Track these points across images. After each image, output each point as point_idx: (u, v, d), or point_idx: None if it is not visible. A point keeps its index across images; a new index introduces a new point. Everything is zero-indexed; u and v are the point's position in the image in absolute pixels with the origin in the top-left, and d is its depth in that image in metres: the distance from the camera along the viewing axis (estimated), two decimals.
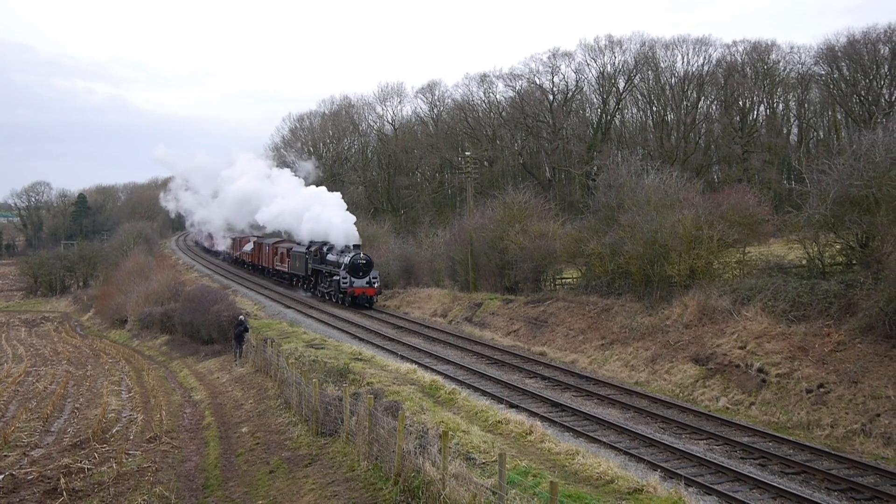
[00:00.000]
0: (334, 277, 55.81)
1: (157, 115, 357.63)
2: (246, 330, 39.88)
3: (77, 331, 74.97)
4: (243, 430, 27.23)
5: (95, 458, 24.69)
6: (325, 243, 59.19)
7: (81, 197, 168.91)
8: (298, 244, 66.05)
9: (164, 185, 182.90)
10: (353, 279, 54.07)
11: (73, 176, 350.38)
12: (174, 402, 34.01)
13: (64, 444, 27.47)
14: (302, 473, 20.97)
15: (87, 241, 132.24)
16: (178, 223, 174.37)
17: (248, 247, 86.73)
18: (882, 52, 66.72)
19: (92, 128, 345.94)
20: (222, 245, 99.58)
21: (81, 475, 22.72)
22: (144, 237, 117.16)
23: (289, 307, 56.96)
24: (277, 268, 72.96)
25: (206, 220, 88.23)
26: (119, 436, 28.35)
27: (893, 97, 67.24)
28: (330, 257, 57.62)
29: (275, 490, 20.43)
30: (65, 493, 20.84)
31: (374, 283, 54.63)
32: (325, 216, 59.23)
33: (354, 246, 55.67)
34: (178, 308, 52.88)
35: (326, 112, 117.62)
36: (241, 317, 41.31)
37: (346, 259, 54.75)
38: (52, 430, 30.79)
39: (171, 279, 68.69)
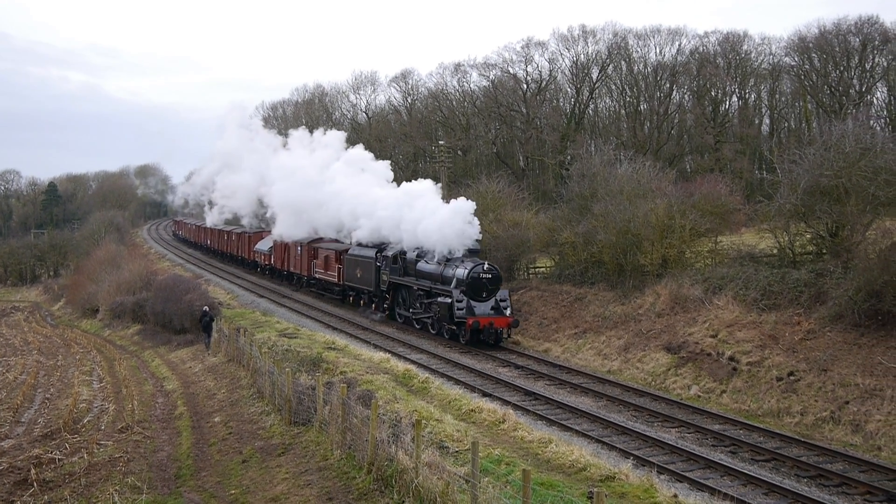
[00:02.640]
0: (439, 299, 38.40)
1: (132, 104, 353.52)
2: (212, 319, 40.28)
3: (47, 320, 74.27)
4: (216, 419, 27.11)
5: (66, 448, 24.50)
6: (393, 246, 44.53)
7: (52, 185, 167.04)
8: (358, 245, 48.63)
9: (140, 172, 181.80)
10: (472, 303, 36.75)
11: (43, 164, 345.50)
12: (146, 392, 33.80)
13: (34, 435, 27.23)
14: (275, 463, 20.93)
15: (57, 230, 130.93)
16: (151, 211, 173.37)
17: (264, 245, 69.28)
18: (853, 43, 67.24)
19: (65, 116, 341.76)
20: (232, 240, 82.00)
21: (52, 466, 22.55)
22: (116, 226, 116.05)
23: (262, 297, 56.75)
24: (319, 276, 54.70)
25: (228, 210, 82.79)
26: (90, 426, 28.14)
27: (863, 88, 67.85)
28: (426, 267, 40.72)
29: (248, 480, 20.37)
30: (35, 483, 20.66)
31: (505, 308, 37.14)
32: (420, 210, 42.96)
33: (470, 251, 39.55)
34: (151, 297, 52.50)
35: (300, 101, 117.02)
36: (205, 308, 41.81)
37: (461, 271, 37.53)
38: (23, 420, 30.52)
39: (143, 268, 68.08)
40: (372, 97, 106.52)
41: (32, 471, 21.59)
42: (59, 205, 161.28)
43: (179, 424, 27.53)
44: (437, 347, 36.93)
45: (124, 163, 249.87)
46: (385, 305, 44.71)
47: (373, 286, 45.21)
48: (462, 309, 36.41)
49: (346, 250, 49.65)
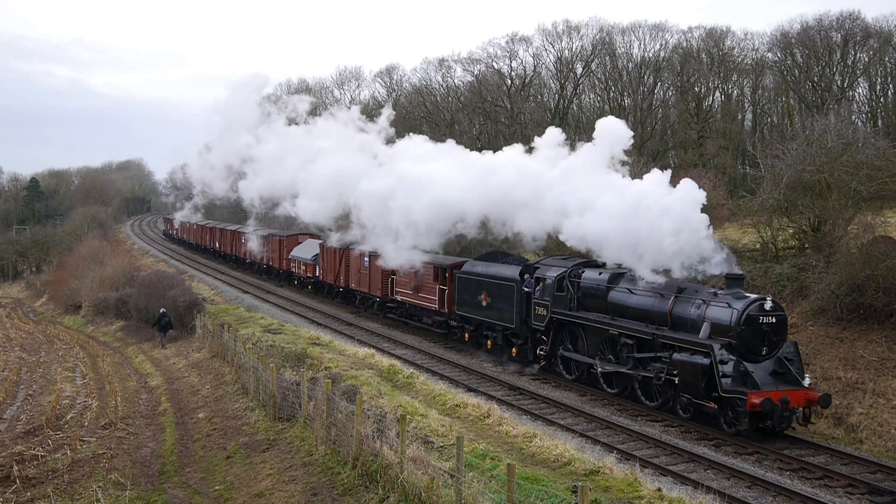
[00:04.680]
0: (678, 356, 23.27)
1: (118, 99, 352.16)
2: (170, 321, 42.52)
3: (30, 317, 73.84)
4: (200, 415, 27.06)
5: (49, 445, 24.42)
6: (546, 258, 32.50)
7: (34, 181, 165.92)
8: (482, 259, 35.46)
9: (122, 168, 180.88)
10: (744, 364, 22.17)
11: (25, 160, 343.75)
12: (130, 388, 33.68)
13: (17, 432, 27.14)
14: (259, 458, 20.91)
15: (39, 226, 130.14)
16: (134, 207, 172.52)
17: (305, 252, 56.00)
18: (835, 39, 67.47)
19: (49, 111, 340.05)
20: (253, 244, 66.89)
21: (35, 462, 22.48)
22: (99, 222, 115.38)
23: (246, 292, 56.57)
24: (404, 299, 40.16)
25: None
26: (73, 422, 28.04)
27: (845, 84, 68.19)
28: (634, 300, 26.33)
29: (232, 475, 20.35)
30: (18, 480, 20.60)
31: (799, 372, 22.75)
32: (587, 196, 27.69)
33: (731, 278, 24.06)
34: (134, 293, 52.23)
35: (283, 96, 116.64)
36: (163, 310, 42.81)
37: (721, 311, 23.14)
38: (5, 417, 30.39)
39: (127, 264, 67.77)
40: (356, 92, 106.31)
41: (15, 467, 21.52)
42: (41, 200, 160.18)
43: (163, 420, 27.46)
44: (423, 343, 36.91)
45: (108, 158, 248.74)
46: (540, 351, 30.14)
47: (514, 322, 30.89)
48: (731, 376, 21.84)
49: (459, 265, 35.53)
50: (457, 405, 24.22)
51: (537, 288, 29.86)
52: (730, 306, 22.86)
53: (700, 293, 24.41)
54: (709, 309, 23.45)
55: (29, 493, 19.88)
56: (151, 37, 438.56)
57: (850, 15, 67.39)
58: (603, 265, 28.63)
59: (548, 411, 25.21)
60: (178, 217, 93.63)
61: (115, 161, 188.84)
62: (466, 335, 34.76)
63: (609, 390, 26.75)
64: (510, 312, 31.22)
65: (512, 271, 31.56)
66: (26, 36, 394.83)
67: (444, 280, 36.18)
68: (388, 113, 43.98)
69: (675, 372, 23.49)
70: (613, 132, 29.30)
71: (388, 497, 15.72)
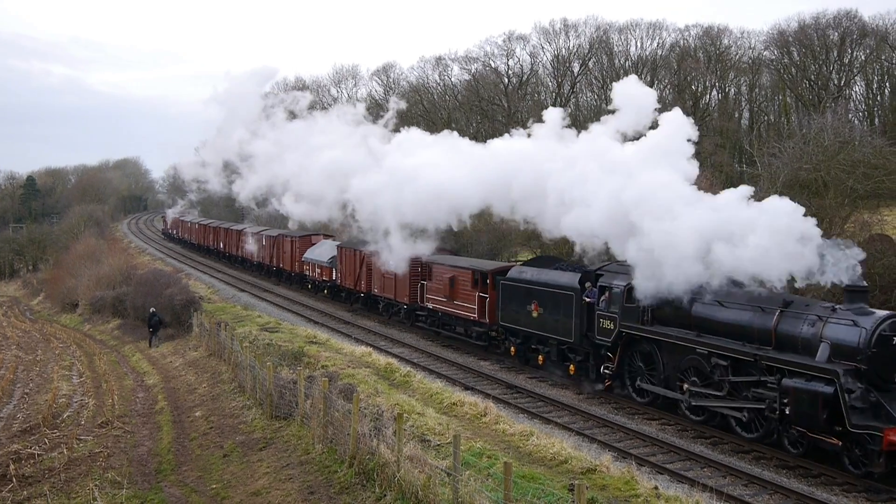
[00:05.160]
0: (792, 383, 19.72)
1: (114, 97, 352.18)
2: (160, 321, 42.62)
3: (27, 315, 73.75)
4: (197, 414, 27.04)
5: (46, 443, 24.37)
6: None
7: (30, 179, 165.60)
8: (530, 264, 32.88)
9: (119, 166, 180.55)
10: (876, 395, 18.93)
11: (22, 158, 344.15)
12: (126, 387, 33.64)
13: (13, 430, 27.10)
14: (256, 457, 20.89)
15: (36, 225, 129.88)
16: (131, 206, 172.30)
17: (320, 253, 52.55)
18: (831, 37, 67.61)
19: (46, 109, 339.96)
20: (261, 245, 64.76)
21: (31, 461, 22.43)
22: (95, 220, 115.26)
23: (243, 290, 56.56)
24: (437, 306, 36.68)
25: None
26: (70, 421, 27.99)
27: (842, 82, 68.26)
28: (727, 315, 22.59)
29: (229, 474, 20.33)
30: (14, 479, 20.55)
31: None
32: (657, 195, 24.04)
33: (851, 291, 20.27)
34: (131, 292, 52.17)
35: (273, 102, 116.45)
36: (152, 309, 42.97)
37: (844, 329, 19.69)
38: (1, 415, 30.35)
39: (123, 263, 67.74)
40: (353, 91, 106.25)
41: (11, 466, 21.47)
42: (37, 199, 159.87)
43: (160, 419, 27.43)
44: (420, 341, 36.89)
45: (105, 156, 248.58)
46: (606, 370, 26.48)
47: (572, 335, 27.55)
48: (861, 408, 18.59)
49: (502, 271, 32.61)
50: (453, 403, 24.23)
51: (602, 298, 26.08)
52: (856, 325, 19.36)
53: (813, 308, 20.82)
54: (827, 327, 19.82)
55: (25, 492, 19.85)
56: (148, 35, 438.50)
57: (848, 13, 67.51)
58: None
59: (544, 410, 25.22)
60: (171, 214, 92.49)
61: (112, 159, 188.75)
62: (512, 349, 31.21)
63: (693, 417, 23.10)
64: (567, 325, 27.62)
65: (570, 279, 27.98)
66: (23, 34, 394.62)
67: (485, 287, 32.80)
68: (395, 105, 43.30)
69: (784, 401, 19.79)
70: (637, 98, 26.73)
71: (385, 495, 15.72)
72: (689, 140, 24.91)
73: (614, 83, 29.99)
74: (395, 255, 37.32)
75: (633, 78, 28.40)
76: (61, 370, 39.29)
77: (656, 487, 16.73)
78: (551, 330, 28.56)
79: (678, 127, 24.99)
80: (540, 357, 29.75)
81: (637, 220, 23.42)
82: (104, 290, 59.27)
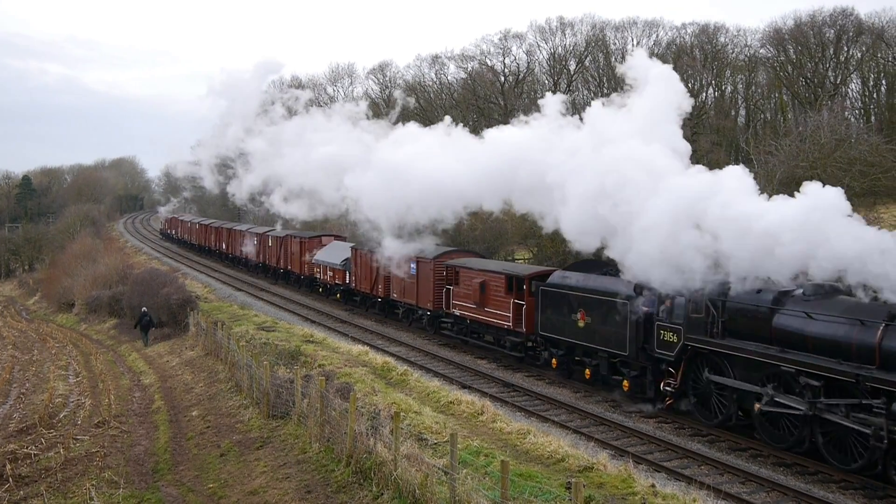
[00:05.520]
0: None
1: (110, 96, 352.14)
2: (151, 320, 42.73)
3: (23, 315, 73.62)
4: (193, 413, 27.00)
5: (42, 443, 24.34)
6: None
7: (26, 179, 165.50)
8: (572, 268, 29.74)
9: (115, 165, 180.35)
10: None
11: (18, 157, 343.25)
12: (123, 387, 33.59)
13: (9, 430, 27.04)
14: (253, 456, 20.87)
15: (32, 224, 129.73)
16: (127, 205, 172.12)
17: (331, 255, 50.02)
18: (828, 35, 67.74)
19: (42, 108, 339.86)
20: (267, 246, 62.49)
21: (28, 461, 22.40)
22: (91, 220, 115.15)
23: (239, 290, 56.52)
24: (464, 313, 34.33)
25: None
26: (66, 421, 27.94)
27: (838, 80, 68.36)
28: (825, 330, 19.62)
29: (226, 473, 20.30)
30: (10, 479, 20.52)
31: None
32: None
33: None
34: (127, 291, 52.08)
35: (272, 97, 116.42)
36: (144, 308, 43.10)
37: None
38: None
39: (120, 262, 67.60)
40: (349, 89, 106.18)
41: (8, 466, 21.44)
42: (33, 198, 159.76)
43: (157, 419, 27.40)
44: (416, 340, 36.88)
45: (101, 156, 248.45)
46: (667, 386, 23.91)
47: (626, 348, 25.05)
48: None
49: (541, 276, 30.21)
50: (451, 402, 24.23)
51: (662, 307, 23.73)
52: None
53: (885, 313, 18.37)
54: None
55: (22, 492, 19.82)
56: (145, 34, 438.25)
57: (844, 11, 67.61)
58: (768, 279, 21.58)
59: (542, 408, 25.22)
60: (163, 212, 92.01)
61: (108, 158, 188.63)
62: (554, 361, 28.82)
63: (774, 444, 20.67)
64: (621, 336, 25.04)
65: (623, 285, 25.20)
66: (19, 33, 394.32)
67: (521, 293, 30.44)
68: (401, 99, 42.77)
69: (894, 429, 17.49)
70: (670, 82, 25.16)
71: (382, 494, 15.71)
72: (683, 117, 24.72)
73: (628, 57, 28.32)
74: (417, 258, 37.32)
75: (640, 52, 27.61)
76: (58, 370, 39.21)
77: (653, 485, 16.74)
78: (601, 341, 26.05)
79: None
80: (586, 371, 27.28)
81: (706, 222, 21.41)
82: (100, 289, 59.18)
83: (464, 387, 27.60)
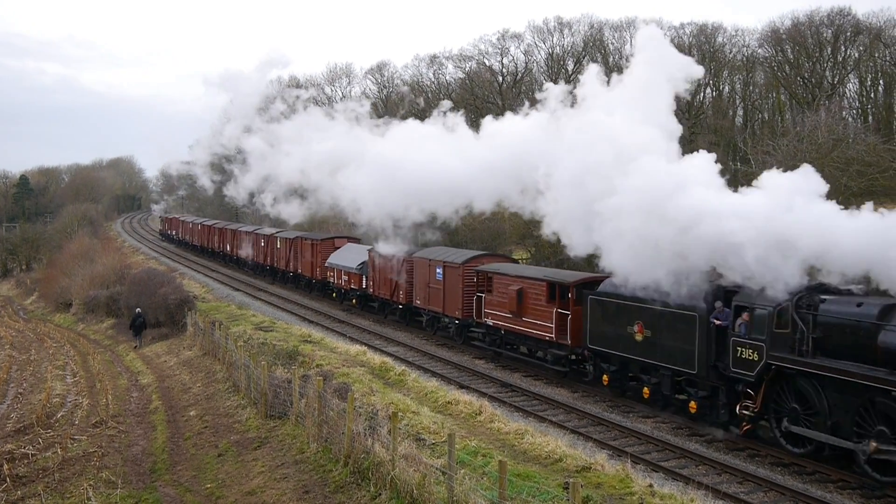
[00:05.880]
0: None
1: (108, 96, 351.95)
2: (144, 321, 43.14)
3: (20, 315, 73.54)
4: (191, 413, 26.99)
5: (40, 443, 24.33)
6: None
7: (23, 178, 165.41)
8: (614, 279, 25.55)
9: (112, 165, 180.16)
10: None
11: (15, 157, 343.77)
12: (120, 387, 33.58)
13: (7, 430, 27.02)
14: (251, 456, 20.86)
15: (29, 224, 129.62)
16: (123, 204, 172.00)
17: (346, 258, 47.03)
18: (825, 34, 67.72)
19: (39, 108, 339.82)
20: (275, 248, 60.50)
21: (25, 461, 22.39)
22: (89, 219, 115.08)
23: (237, 290, 56.49)
24: (500, 323, 31.50)
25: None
26: (64, 421, 27.93)
27: (836, 79, 68.38)
28: None
29: (223, 473, 20.30)
30: (8, 479, 20.52)
31: None
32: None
33: None
34: (125, 291, 52.07)
35: (274, 94, 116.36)
36: (138, 310, 43.39)
37: None
38: None
39: (117, 262, 67.61)
40: (347, 89, 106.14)
41: (5, 466, 21.42)
42: (30, 198, 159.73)
43: (154, 419, 27.39)
44: (414, 340, 36.87)
45: (98, 155, 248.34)
46: (745, 410, 21.24)
47: (694, 365, 22.46)
48: None
49: (590, 283, 27.57)
50: (448, 402, 24.21)
51: (739, 321, 21.08)
52: None
53: None
54: None
55: (19, 492, 19.81)
56: (143, 34, 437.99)
57: (841, 11, 67.57)
58: (847, 291, 19.53)
59: (539, 408, 25.22)
60: (156, 210, 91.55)
61: (106, 158, 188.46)
62: (605, 377, 25.91)
63: (880, 478, 17.78)
64: (687, 352, 22.53)
65: (692, 296, 22.48)
66: (18, 33, 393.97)
67: (565, 302, 27.79)
68: (408, 96, 42.27)
69: None
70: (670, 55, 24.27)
71: (380, 494, 15.70)
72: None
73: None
74: (444, 262, 35.21)
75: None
76: (55, 370, 39.19)
77: (651, 485, 16.72)
78: (663, 357, 23.48)
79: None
80: (645, 390, 24.55)
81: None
82: (98, 289, 59.14)
83: (461, 387, 27.59)
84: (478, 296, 32.90)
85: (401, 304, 40.20)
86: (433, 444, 19.03)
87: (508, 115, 30.25)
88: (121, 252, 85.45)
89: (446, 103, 34.34)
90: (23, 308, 78.67)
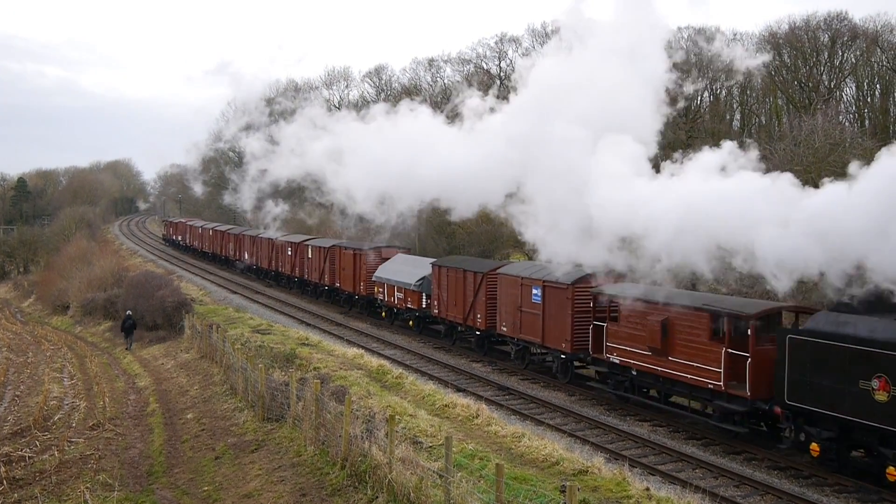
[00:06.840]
0: None
1: (108, 99, 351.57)
2: (134, 323, 43.30)
3: (17, 317, 73.44)
4: (188, 416, 26.99)
5: (37, 446, 24.33)
6: None
7: (21, 181, 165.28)
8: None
9: (110, 168, 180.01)
10: None
11: (13, 159, 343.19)
12: (118, 389, 33.55)
13: (4, 433, 26.99)
14: (248, 459, 20.87)
15: (27, 226, 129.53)
16: (121, 207, 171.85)
17: (401, 272, 40.72)
18: (822, 39, 67.84)
19: (38, 111, 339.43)
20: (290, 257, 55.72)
21: (22, 464, 22.38)
22: (87, 222, 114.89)
23: (235, 293, 56.44)
24: (625, 359, 25.16)
25: None
26: (61, 423, 27.92)
27: (833, 84, 68.49)
28: None
29: (221, 476, 20.30)
30: (5, 481, 20.51)
31: None
32: None
33: None
34: (122, 294, 52.04)
35: (272, 96, 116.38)
36: (129, 312, 43.84)
37: None
38: None
39: (115, 264, 67.52)
40: (345, 92, 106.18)
41: (2, 469, 21.43)
42: (28, 200, 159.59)
43: (152, 421, 27.38)
44: (412, 343, 36.88)
45: (97, 158, 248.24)
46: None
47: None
48: None
49: (770, 314, 21.73)
50: (446, 405, 24.23)
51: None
52: None
53: None
54: None
55: (16, 495, 19.80)
56: (143, 37, 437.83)
57: (838, 15, 67.66)
58: None
59: (536, 411, 25.24)
60: (142, 208, 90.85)
61: (103, 161, 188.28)
62: (814, 446, 19.01)
63: None
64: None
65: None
66: (17, 36, 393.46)
67: (741, 339, 21.34)
68: (418, 99, 41.00)
69: None
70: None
71: (377, 497, 15.72)
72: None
73: None
74: (544, 282, 29.01)
75: None
76: (52, 372, 39.15)
77: (648, 489, 16.75)
78: None
79: None
80: (889, 469, 17.51)
81: None
82: (95, 292, 59.08)
83: (459, 390, 27.60)
84: (596, 325, 26.78)
85: (479, 331, 33.76)
86: (430, 447, 19.05)
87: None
88: (118, 255, 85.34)
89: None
90: (20, 310, 78.57)
